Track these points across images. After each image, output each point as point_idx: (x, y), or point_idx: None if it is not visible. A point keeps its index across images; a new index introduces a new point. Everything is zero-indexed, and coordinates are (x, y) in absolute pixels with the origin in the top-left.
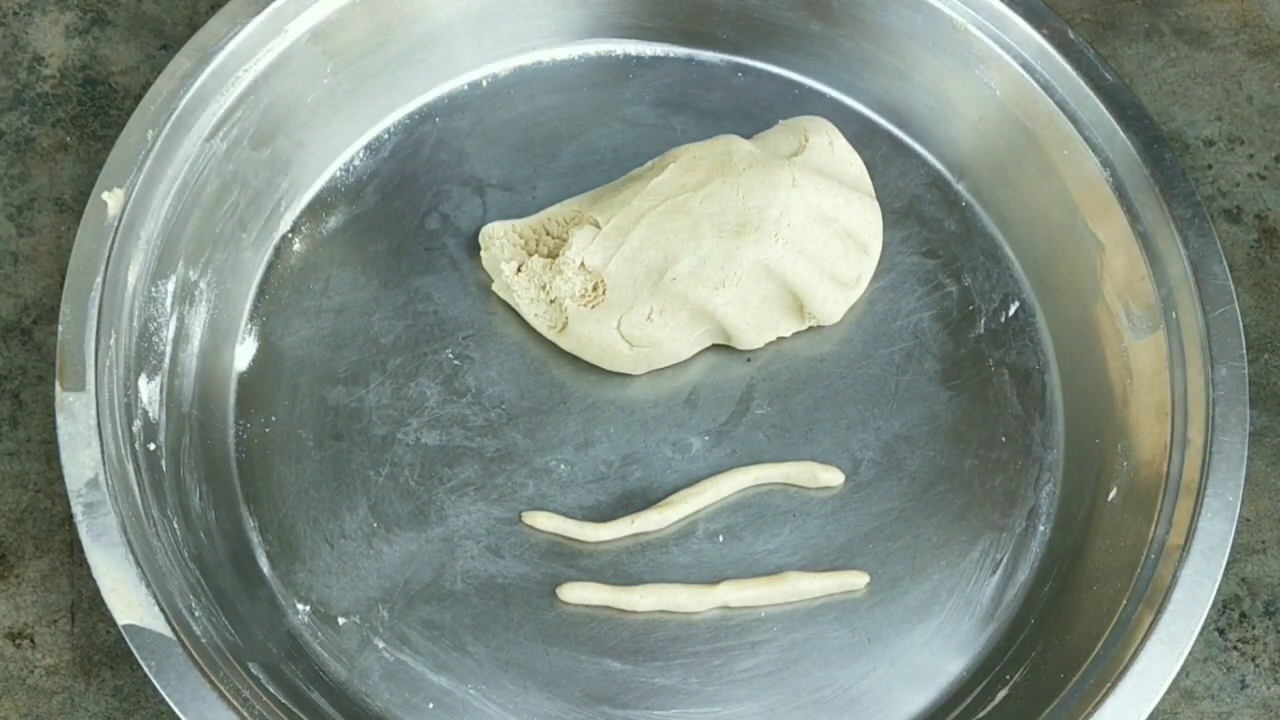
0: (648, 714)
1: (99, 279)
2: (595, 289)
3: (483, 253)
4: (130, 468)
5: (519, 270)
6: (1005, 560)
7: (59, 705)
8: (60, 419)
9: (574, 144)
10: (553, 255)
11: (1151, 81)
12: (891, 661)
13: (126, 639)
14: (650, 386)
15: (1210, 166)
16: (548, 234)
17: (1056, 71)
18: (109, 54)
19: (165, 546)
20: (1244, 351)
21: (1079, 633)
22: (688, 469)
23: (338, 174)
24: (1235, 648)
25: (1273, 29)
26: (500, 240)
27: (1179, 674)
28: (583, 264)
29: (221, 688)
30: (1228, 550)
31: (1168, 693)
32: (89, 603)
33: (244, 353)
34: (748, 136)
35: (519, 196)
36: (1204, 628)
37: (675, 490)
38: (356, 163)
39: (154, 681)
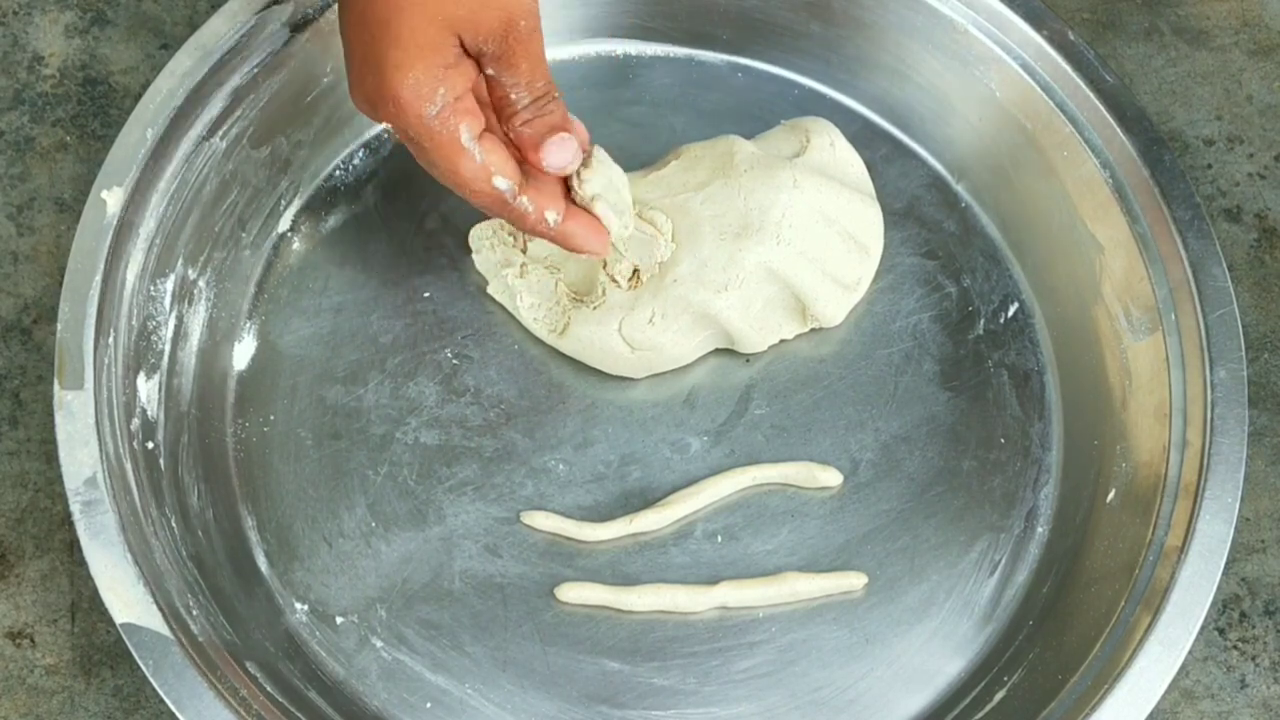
0: (645, 714)
1: (98, 278)
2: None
3: (474, 255)
4: (128, 466)
5: (521, 272)
6: (1003, 561)
7: (59, 705)
8: (59, 417)
9: None
10: None
11: (1151, 81)
12: (889, 662)
13: (124, 637)
14: (649, 387)
15: (1210, 166)
16: None
17: (1056, 72)
18: (109, 54)
19: (163, 545)
20: (1243, 354)
21: (1077, 634)
22: (686, 469)
23: (337, 173)
24: (1235, 647)
25: (1273, 29)
26: (490, 240)
27: (1179, 673)
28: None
29: (219, 686)
30: (1226, 552)
31: (1168, 692)
32: (89, 602)
33: (243, 351)
34: (748, 137)
35: None
36: (1204, 627)
37: (674, 490)
38: (356, 162)
39: (151, 680)
